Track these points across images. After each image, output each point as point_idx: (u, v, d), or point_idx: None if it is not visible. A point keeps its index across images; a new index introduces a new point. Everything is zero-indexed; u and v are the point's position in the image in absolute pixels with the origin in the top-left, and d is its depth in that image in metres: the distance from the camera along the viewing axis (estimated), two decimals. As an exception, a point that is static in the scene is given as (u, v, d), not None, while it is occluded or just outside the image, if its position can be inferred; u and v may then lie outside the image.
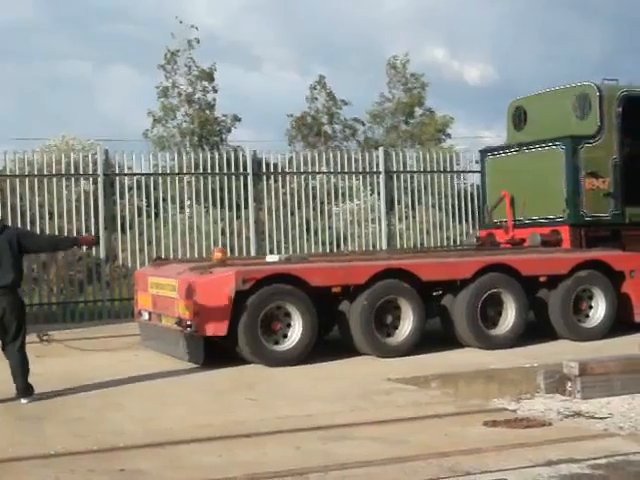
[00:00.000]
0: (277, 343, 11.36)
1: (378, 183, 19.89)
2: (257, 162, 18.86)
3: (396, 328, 11.93)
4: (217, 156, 18.92)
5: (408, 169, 20.21)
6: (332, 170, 19.63)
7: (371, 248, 19.38)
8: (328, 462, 6.56)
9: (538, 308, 13.15)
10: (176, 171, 18.48)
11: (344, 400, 8.91)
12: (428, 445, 6.97)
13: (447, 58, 51.96)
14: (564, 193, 14.90)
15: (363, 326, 11.63)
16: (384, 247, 19.40)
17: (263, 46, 50.80)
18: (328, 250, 19.11)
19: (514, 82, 52.19)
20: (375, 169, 19.79)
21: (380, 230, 19.75)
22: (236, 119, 28.70)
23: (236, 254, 18.03)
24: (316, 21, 51.05)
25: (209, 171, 18.54)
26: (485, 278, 12.39)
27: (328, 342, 12.36)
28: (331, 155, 20.01)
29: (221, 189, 18.60)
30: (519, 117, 16.99)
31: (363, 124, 31.36)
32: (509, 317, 12.51)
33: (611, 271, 13.33)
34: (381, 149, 20.61)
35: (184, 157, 18.97)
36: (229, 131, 28.75)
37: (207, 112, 28.22)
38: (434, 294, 12.50)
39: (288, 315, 11.38)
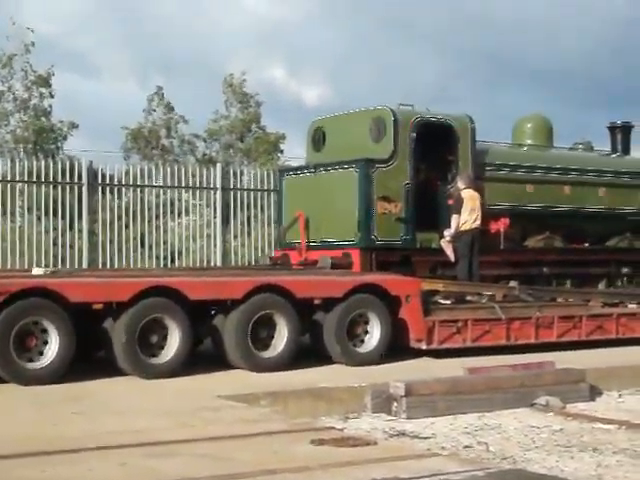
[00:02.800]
0: (32, 360, 10.75)
1: (215, 199, 19.89)
2: (93, 173, 18.59)
3: (162, 348, 11.44)
4: (52, 165, 18.54)
5: (245, 186, 20.29)
6: (169, 184, 19.53)
7: (205, 264, 19.34)
8: (153, 479, 6.50)
9: (314, 331, 12.83)
10: (8, 178, 18.01)
11: (172, 416, 8.83)
12: (256, 462, 6.98)
13: (286, 78, 52.29)
14: (356, 216, 14.92)
15: (125, 346, 11.11)
16: (219, 263, 19.40)
17: (101, 56, 50.03)
18: (162, 265, 18.98)
19: (350, 104, 52.91)
20: (212, 185, 19.79)
21: (215, 246, 19.73)
22: (73, 126, 28.13)
23: (67, 266, 17.72)
24: (156, 34, 50.55)
25: (43, 180, 18.16)
26: (256, 299, 12.00)
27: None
28: (168, 169, 19.90)
29: (54, 199, 18.24)
30: (318, 138, 17.03)
31: (204, 140, 31.21)
32: (281, 340, 12.15)
33: (387, 296, 13.05)
34: (219, 165, 20.69)
35: (17, 164, 18.49)
36: (65, 139, 28.17)
37: (43, 119, 27.59)
38: (213, 314, 12.19)
39: (45, 331, 10.81)
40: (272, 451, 7.42)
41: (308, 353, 12.69)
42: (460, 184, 15.40)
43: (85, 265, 17.99)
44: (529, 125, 18.63)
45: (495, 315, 13.98)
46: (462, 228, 15.12)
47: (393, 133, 15.28)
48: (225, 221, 19.89)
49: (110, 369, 11.28)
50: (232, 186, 19.94)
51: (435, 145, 15.89)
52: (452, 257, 15.18)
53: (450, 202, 15.53)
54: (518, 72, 60.51)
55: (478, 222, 15.28)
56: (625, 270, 18.32)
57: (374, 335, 12.89)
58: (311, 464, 6.92)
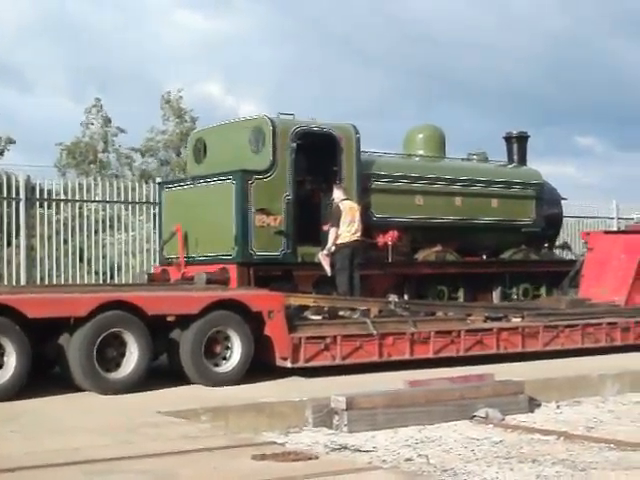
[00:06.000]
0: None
1: (154, 214, 19.78)
2: (30, 188, 18.39)
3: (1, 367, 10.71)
4: (-12, 180, 18.32)
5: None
6: (108, 199, 19.39)
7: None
8: (94, 496, 6.44)
9: (170, 350, 12.09)
10: (-57, 193, 17.77)
11: (112, 433, 8.76)
12: (196, 478, 6.96)
13: (222, 93, 52.29)
14: (233, 230, 14.56)
15: None
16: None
17: (37, 70, 49.62)
18: (101, 280, 18.83)
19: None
20: (152, 200, 19.70)
21: (155, 261, 19.60)
22: (10, 142, 27.87)
23: (5, 282, 17.51)
24: (92, 49, 50.20)
25: (-22, 195, 17.95)
26: (103, 316, 11.22)
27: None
28: (107, 184, 19.77)
29: (-9, 214, 18.03)
30: (199, 149, 16.69)
31: (142, 154, 31.12)
32: (131, 359, 11.42)
33: (249, 312, 12.34)
34: (158, 180, 20.57)
35: (-48, 180, 18.24)
36: (2, 154, 27.87)
37: (-21, 134, 27.30)
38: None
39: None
40: (213, 467, 7.38)
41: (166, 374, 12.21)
42: (337, 195, 15.07)
43: (23, 280, 17.80)
44: (420, 135, 18.48)
45: (367, 331, 13.31)
46: (340, 240, 14.77)
47: (272, 143, 14.94)
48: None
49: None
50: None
51: (319, 156, 15.68)
52: (329, 271, 14.80)
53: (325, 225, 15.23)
54: (458, 91, 61.27)
55: (358, 234, 14.96)
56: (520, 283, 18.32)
57: (234, 354, 12.21)
58: (252, 479, 6.91)
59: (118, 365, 11.46)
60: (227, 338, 12.22)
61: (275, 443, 8.88)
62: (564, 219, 20.91)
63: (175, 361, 12.10)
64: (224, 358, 12.24)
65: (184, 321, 11.96)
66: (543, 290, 18.64)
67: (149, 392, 11.42)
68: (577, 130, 72.90)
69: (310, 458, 7.84)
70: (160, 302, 12.01)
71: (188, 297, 12.47)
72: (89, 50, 50.56)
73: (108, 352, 11.40)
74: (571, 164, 64.32)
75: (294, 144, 15.14)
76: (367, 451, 9.19)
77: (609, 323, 15.74)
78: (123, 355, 11.49)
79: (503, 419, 10.94)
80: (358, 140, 15.83)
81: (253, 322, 12.37)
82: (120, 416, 9.74)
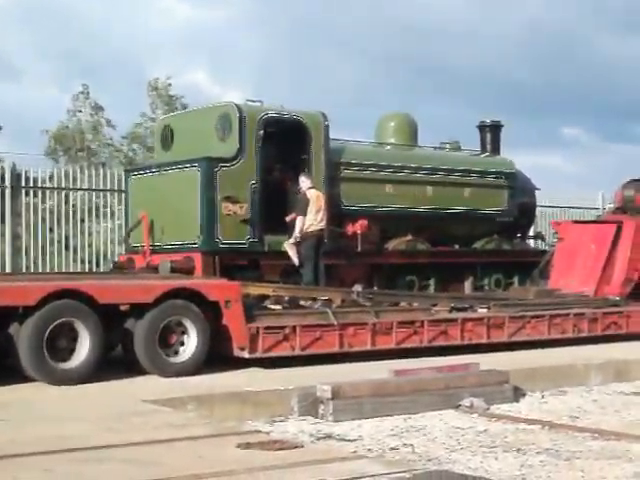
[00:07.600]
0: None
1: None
2: (16, 175, 18.32)
3: None
4: (-27, 167, 18.27)
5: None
6: (94, 187, 19.33)
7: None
8: (79, 485, 6.44)
9: (125, 340, 11.77)
10: None
11: (99, 421, 8.75)
12: (181, 467, 6.95)
13: (208, 81, 52.10)
14: (198, 218, 14.45)
15: None
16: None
17: (22, 59, 49.28)
18: (87, 269, 18.80)
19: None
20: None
21: (141, 249, 19.56)
22: (-2, 128, 27.82)
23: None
24: (76, 37, 49.84)
25: (-37, 182, 17.89)
26: (52, 306, 10.93)
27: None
28: (93, 172, 19.72)
29: (-23, 202, 17.97)
30: (166, 136, 16.51)
31: (129, 144, 30.96)
32: (83, 349, 11.12)
33: (205, 301, 12.07)
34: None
35: (-63, 166, 18.19)
36: (-13, 141, 27.80)
37: (-36, 121, 27.19)
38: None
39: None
40: (198, 455, 7.39)
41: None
42: (304, 183, 14.96)
43: (8, 268, 17.74)
44: (392, 123, 18.29)
45: (327, 321, 13.04)
46: (307, 230, 14.70)
47: (238, 130, 14.80)
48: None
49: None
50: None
51: (288, 144, 15.56)
52: (296, 260, 14.73)
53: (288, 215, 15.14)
54: (441, 78, 61.33)
55: (323, 223, 14.90)
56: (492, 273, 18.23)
57: (190, 344, 11.92)
58: (237, 468, 6.91)
59: (70, 355, 11.20)
60: (183, 328, 11.96)
61: (260, 432, 8.90)
62: (550, 209, 20.83)
63: (130, 351, 11.83)
64: (180, 348, 11.98)
65: (138, 310, 11.71)
66: (515, 280, 18.53)
67: (128, 380, 11.40)
68: (564, 121, 73.08)
69: (295, 447, 7.86)
70: (112, 291, 11.73)
71: (142, 286, 12.23)
72: (74, 36, 50.34)
73: (60, 342, 11.15)
74: (558, 155, 64.44)
75: (261, 131, 15.00)
76: (352, 440, 9.22)
77: (577, 314, 15.65)
78: (75, 346, 11.22)
79: (488, 408, 10.98)
80: (327, 127, 15.71)
81: (210, 312, 12.14)
82: (107, 404, 9.75)
